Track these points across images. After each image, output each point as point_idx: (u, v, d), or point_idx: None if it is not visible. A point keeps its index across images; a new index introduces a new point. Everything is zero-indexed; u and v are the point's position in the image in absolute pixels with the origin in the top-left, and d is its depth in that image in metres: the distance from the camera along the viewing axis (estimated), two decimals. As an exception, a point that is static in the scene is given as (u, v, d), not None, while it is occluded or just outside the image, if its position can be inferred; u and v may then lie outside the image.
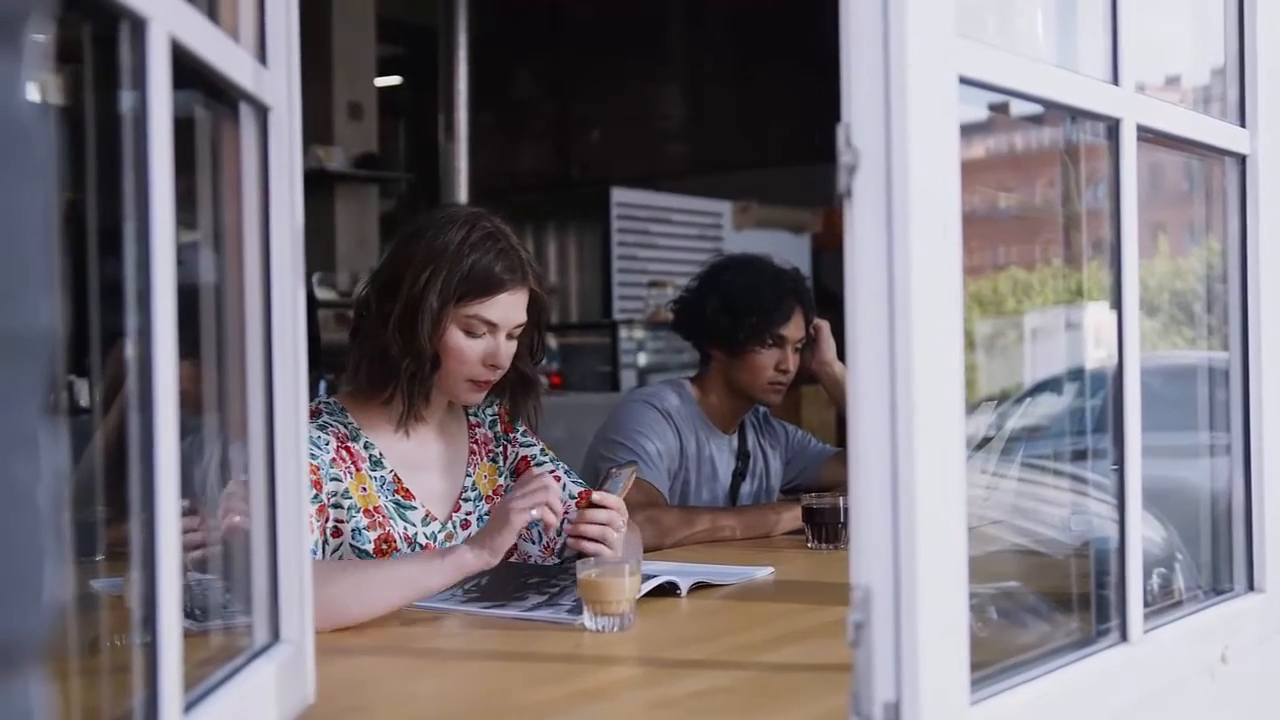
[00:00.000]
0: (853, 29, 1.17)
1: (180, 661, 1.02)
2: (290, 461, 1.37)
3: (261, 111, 1.34)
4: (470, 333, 2.17)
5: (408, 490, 2.22)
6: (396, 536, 2.17)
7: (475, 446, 2.36)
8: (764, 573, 2.34)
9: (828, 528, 2.63)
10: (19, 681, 0.55)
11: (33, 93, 0.57)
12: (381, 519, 2.16)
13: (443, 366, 2.19)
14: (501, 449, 2.39)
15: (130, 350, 1.00)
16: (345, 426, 2.20)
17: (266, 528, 1.36)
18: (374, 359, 2.19)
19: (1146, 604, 1.54)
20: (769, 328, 2.97)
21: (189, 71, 1.11)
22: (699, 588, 2.15)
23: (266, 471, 1.36)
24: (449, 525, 2.26)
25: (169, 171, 1.03)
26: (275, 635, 1.36)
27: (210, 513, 1.46)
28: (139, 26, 1.00)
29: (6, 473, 0.53)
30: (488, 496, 2.33)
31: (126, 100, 1.01)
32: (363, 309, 2.23)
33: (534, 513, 1.96)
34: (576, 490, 2.37)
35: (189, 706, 1.08)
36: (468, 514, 2.30)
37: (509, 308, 2.19)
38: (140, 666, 1.00)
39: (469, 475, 2.32)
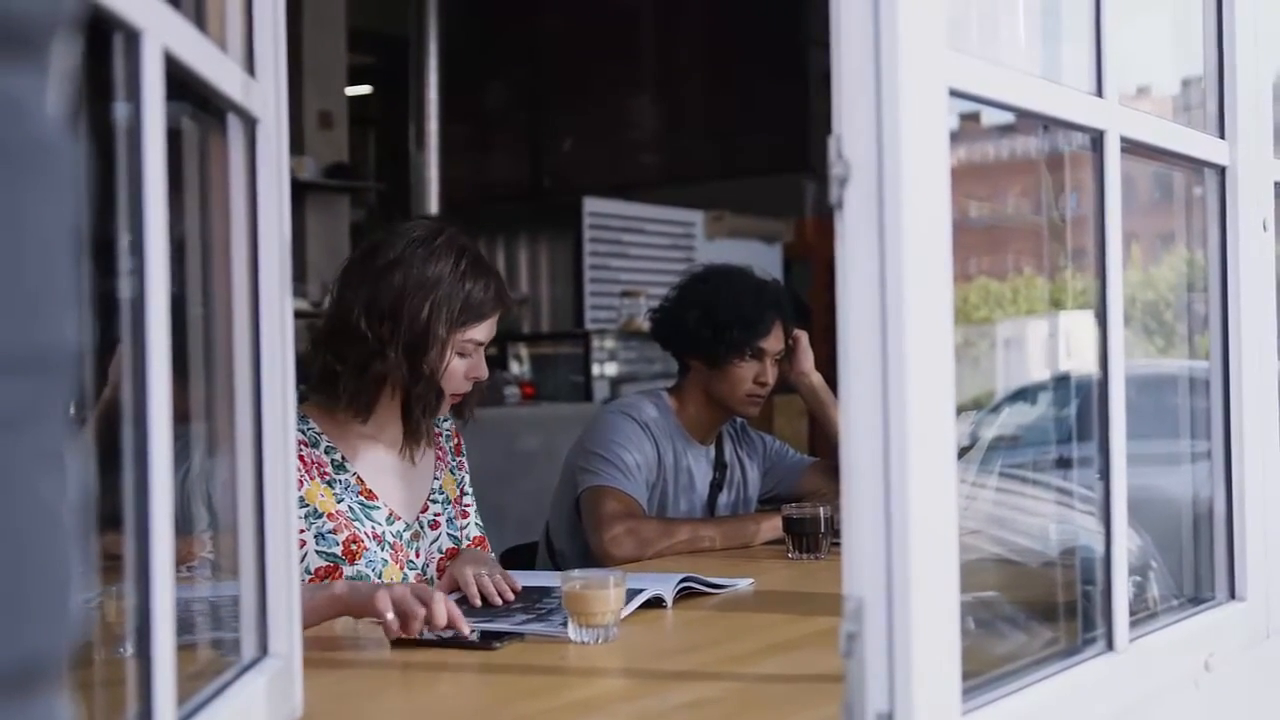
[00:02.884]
0: (844, 41, 1.17)
1: (174, 676, 1.02)
2: (278, 475, 1.37)
3: (250, 123, 1.33)
4: (462, 354, 2.27)
5: (371, 491, 2.27)
6: (364, 536, 2.22)
7: (440, 453, 2.44)
8: (745, 584, 2.34)
9: (808, 538, 2.63)
10: (48, 697, 0.54)
11: (58, 106, 0.57)
12: (345, 521, 2.21)
13: None
14: (455, 464, 2.48)
15: (125, 362, 1.00)
16: (304, 433, 2.23)
17: (254, 542, 1.35)
18: (372, 384, 2.23)
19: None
20: (750, 341, 2.97)
21: (178, 82, 1.11)
22: (684, 595, 2.15)
23: (254, 485, 1.35)
24: (415, 525, 2.33)
25: (162, 182, 1.02)
26: (264, 649, 1.35)
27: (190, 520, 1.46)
28: (133, 38, 0.99)
29: (34, 489, 0.53)
30: (453, 501, 2.42)
31: (119, 111, 1.01)
32: (346, 330, 2.23)
33: (390, 616, 1.80)
34: (475, 533, 2.45)
35: (181, 722, 1.08)
36: (436, 515, 2.38)
37: (493, 326, 2.31)
38: (134, 679, 1.00)
39: (436, 479, 2.40)
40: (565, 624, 1.87)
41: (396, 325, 2.21)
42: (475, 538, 2.44)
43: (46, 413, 0.54)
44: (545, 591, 2.15)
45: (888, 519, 1.16)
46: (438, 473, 2.41)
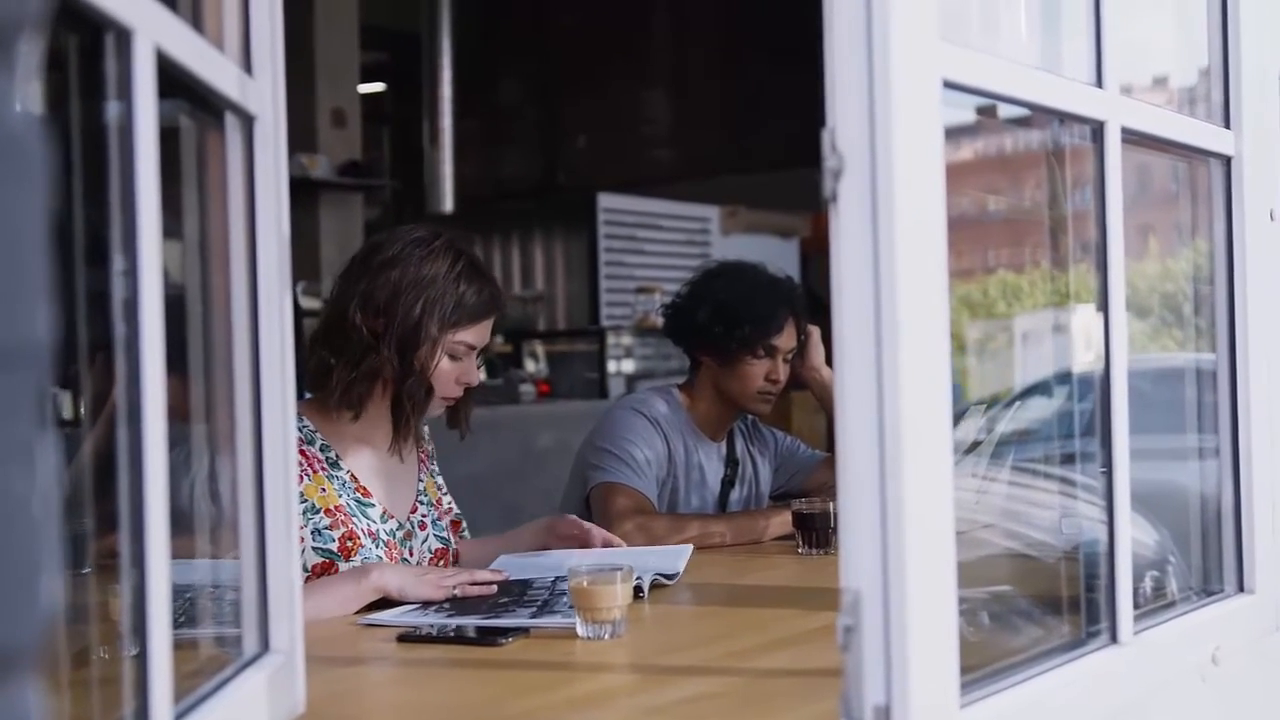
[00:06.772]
0: (836, 33, 1.17)
1: (170, 672, 1.02)
2: (279, 472, 1.37)
3: (247, 121, 1.34)
4: (453, 356, 2.31)
5: (365, 489, 2.31)
6: (360, 533, 2.26)
7: (423, 457, 2.49)
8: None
9: (818, 533, 2.63)
10: (15, 690, 0.55)
11: (26, 103, 0.57)
12: (344, 517, 2.25)
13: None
14: (433, 469, 2.52)
15: (118, 361, 1.00)
16: (300, 431, 2.25)
17: (255, 538, 1.36)
18: (364, 379, 2.26)
19: (1138, 606, 1.54)
20: (762, 338, 2.96)
21: (173, 81, 1.11)
22: (696, 590, 2.17)
23: (255, 483, 1.36)
24: (407, 524, 2.37)
25: (155, 181, 1.02)
26: (265, 645, 1.36)
27: (198, 524, 1.46)
28: (124, 37, 0.99)
29: (4, 482, 0.53)
30: (434, 504, 2.46)
31: (112, 110, 1.01)
32: (343, 325, 2.26)
33: (457, 591, 2.11)
34: (437, 546, 2.43)
35: (179, 717, 1.08)
36: (423, 516, 2.42)
37: (487, 332, 2.35)
38: (130, 677, 1.00)
39: (420, 481, 2.45)
40: (566, 614, 1.87)
41: (390, 320, 2.25)
42: (437, 549, 2.43)
43: (17, 406, 0.55)
44: (525, 588, 2.16)
45: (883, 511, 1.16)
46: (421, 475, 2.45)
